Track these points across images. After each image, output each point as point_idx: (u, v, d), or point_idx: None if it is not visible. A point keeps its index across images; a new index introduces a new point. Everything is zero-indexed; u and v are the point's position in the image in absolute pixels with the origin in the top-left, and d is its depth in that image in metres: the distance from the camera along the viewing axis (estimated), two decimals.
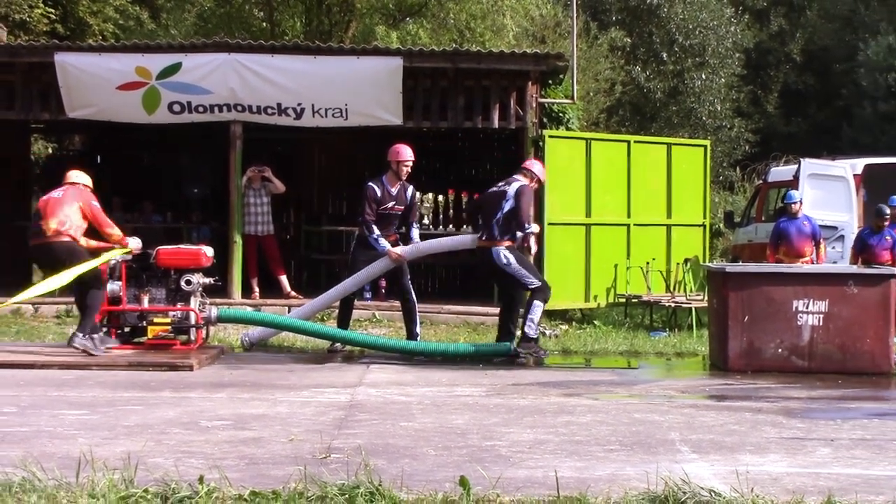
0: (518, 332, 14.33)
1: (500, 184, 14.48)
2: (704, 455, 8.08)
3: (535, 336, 14.20)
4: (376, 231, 14.42)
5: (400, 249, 14.53)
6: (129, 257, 13.73)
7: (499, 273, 14.26)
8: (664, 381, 13.09)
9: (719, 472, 7.42)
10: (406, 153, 14.71)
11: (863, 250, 18.05)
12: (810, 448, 8.48)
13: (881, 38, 40.89)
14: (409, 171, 14.76)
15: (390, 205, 14.55)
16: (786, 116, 46.06)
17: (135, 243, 13.70)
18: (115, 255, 13.46)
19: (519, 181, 14.27)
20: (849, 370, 13.00)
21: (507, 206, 14.06)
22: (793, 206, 18.17)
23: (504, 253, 14.00)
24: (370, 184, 14.64)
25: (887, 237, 18.15)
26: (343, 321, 14.94)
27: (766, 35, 46.62)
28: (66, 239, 13.02)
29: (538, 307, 14.14)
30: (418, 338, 14.80)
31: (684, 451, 8.23)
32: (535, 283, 14.13)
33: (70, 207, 13.16)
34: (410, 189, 14.88)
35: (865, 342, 13.19)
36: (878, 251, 17.94)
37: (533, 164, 14.85)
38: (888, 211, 18.21)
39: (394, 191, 14.60)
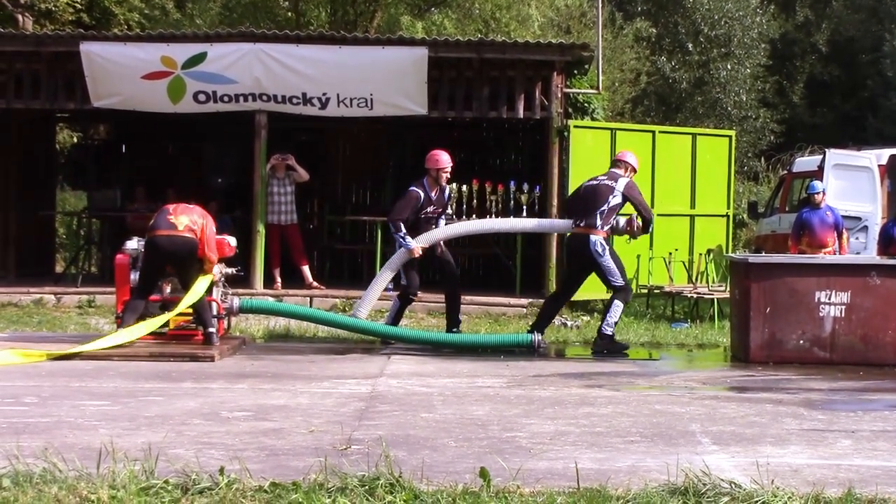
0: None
1: (600, 177, 14.41)
2: (725, 447, 8.06)
3: (611, 333, 14.13)
4: (403, 229, 14.42)
5: (423, 237, 14.54)
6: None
7: (587, 261, 14.17)
8: (685, 372, 13.06)
9: (740, 464, 7.40)
10: (444, 160, 14.72)
11: (889, 244, 17.75)
12: (831, 440, 8.45)
13: None
14: (448, 176, 14.77)
15: (431, 209, 14.63)
16: (811, 107, 45.86)
17: None
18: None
19: (621, 176, 14.28)
20: (871, 361, 12.96)
21: (613, 201, 14.08)
22: (816, 196, 18.08)
23: (601, 242, 13.98)
24: (414, 188, 14.67)
25: None
26: (454, 313, 15.03)
27: (792, 25, 46.43)
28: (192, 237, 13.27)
29: (618, 307, 14.13)
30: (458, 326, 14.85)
31: (705, 443, 8.21)
32: (620, 282, 14.11)
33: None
34: (447, 189, 15.00)
35: (888, 333, 13.14)
36: None
37: (626, 155, 14.81)
38: None
39: (434, 195, 14.68)
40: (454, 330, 14.74)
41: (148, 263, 13.29)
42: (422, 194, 14.56)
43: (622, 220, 14.28)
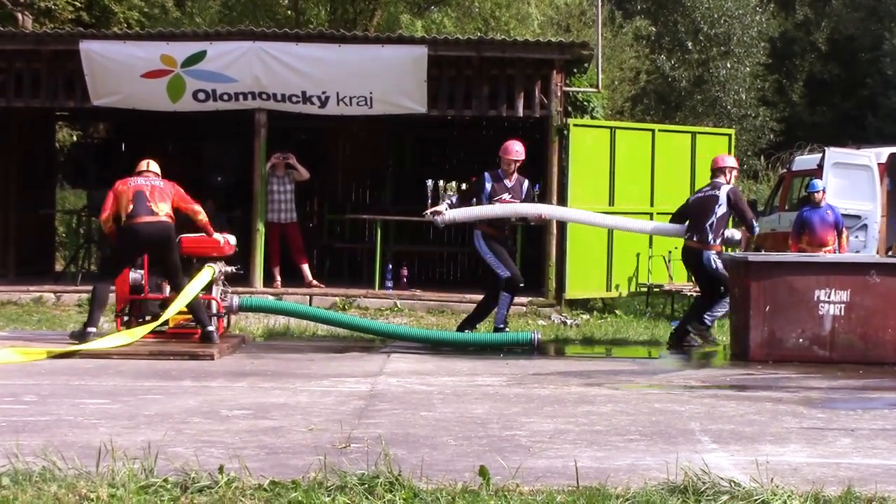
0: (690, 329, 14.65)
1: (704, 188, 14.71)
2: (724, 445, 8.06)
3: (711, 324, 14.56)
4: (449, 204, 14.72)
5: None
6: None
7: (702, 273, 14.54)
8: (685, 370, 13.07)
9: (739, 463, 7.40)
10: (513, 150, 14.67)
11: None
12: (831, 438, 8.45)
13: None
14: (516, 167, 14.67)
15: (505, 196, 14.50)
16: (810, 106, 45.87)
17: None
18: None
19: (723, 185, 14.44)
20: (870, 360, 12.94)
21: (720, 211, 14.32)
22: (816, 195, 18.07)
23: (714, 258, 14.25)
24: (485, 173, 14.74)
25: None
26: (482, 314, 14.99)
27: (792, 24, 46.43)
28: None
29: (726, 304, 14.33)
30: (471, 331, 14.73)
31: (704, 442, 8.21)
32: (722, 291, 14.37)
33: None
34: (526, 183, 14.84)
35: (887, 332, 13.13)
36: None
37: (722, 160, 14.83)
38: None
39: (508, 183, 14.58)
40: (468, 331, 14.70)
41: (125, 251, 13.33)
42: (489, 183, 14.55)
43: (737, 235, 14.67)
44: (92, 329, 13.08)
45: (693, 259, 14.52)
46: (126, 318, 13.61)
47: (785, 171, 26.53)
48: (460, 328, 14.78)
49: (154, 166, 13.87)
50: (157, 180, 13.66)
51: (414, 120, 20.32)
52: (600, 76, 20.17)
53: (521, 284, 14.80)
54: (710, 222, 14.22)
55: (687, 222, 14.65)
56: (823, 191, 18.25)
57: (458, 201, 14.82)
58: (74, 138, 29.83)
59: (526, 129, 22.20)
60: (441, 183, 19.33)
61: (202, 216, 13.75)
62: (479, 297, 15.16)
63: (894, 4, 44.23)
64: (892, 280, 13.18)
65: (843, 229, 18.08)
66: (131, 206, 13.16)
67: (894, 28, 41.45)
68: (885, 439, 8.45)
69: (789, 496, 6.45)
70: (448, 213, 14.53)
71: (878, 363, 12.91)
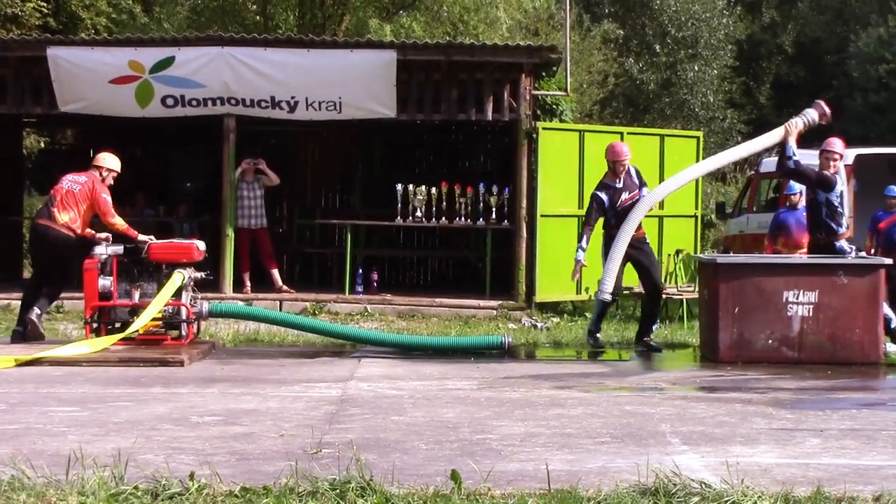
0: None
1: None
2: (695, 447, 8.10)
3: None
4: (583, 241, 14.43)
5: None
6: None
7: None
8: (655, 372, 13.12)
9: (710, 464, 7.44)
10: (619, 151, 14.57)
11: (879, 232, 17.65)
12: (800, 439, 8.50)
13: (872, 29, 40.86)
14: (625, 168, 14.48)
15: (624, 197, 14.33)
16: (778, 108, 45.95)
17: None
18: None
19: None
20: (838, 360, 13.00)
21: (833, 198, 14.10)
22: (793, 196, 18.09)
23: (845, 244, 14.08)
24: (594, 192, 14.54)
25: None
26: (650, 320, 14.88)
27: (758, 27, 46.60)
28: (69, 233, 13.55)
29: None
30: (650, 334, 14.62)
31: (675, 443, 8.25)
32: None
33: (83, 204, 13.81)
34: (633, 170, 14.62)
35: (855, 332, 13.19)
36: None
37: (831, 144, 14.34)
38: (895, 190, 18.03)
39: (619, 184, 14.40)
40: (645, 339, 14.59)
41: (32, 250, 13.50)
42: (603, 195, 14.37)
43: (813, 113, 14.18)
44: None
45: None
46: (95, 326, 13.56)
47: (753, 173, 26.61)
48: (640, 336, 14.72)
49: (103, 160, 14.23)
50: (78, 183, 13.98)
51: (383, 124, 20.29)
52: (569, 79, 20.20)
53: (616, 296, 14.86)
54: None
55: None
56: (801, 193, 18.23)
57: (586, 235, 14.48)
58: (42, 145, 29.70)
59: (495, 132, 22.28)
60: (411, 187, 19.33)
61: (118, 225, 14.06)
62: (450, 300, 15.09)
63: (859, 7, 44.47)
64: (860, 281, 13.26)
65: None
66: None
67: (860, 31, 41.64)
68: (854, 439, 8.50)
69: (759, 497, 6.49)
70: (582, 255, 14.42)
71: (846, 364, 12.97)
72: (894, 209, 18.36)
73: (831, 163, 14.10)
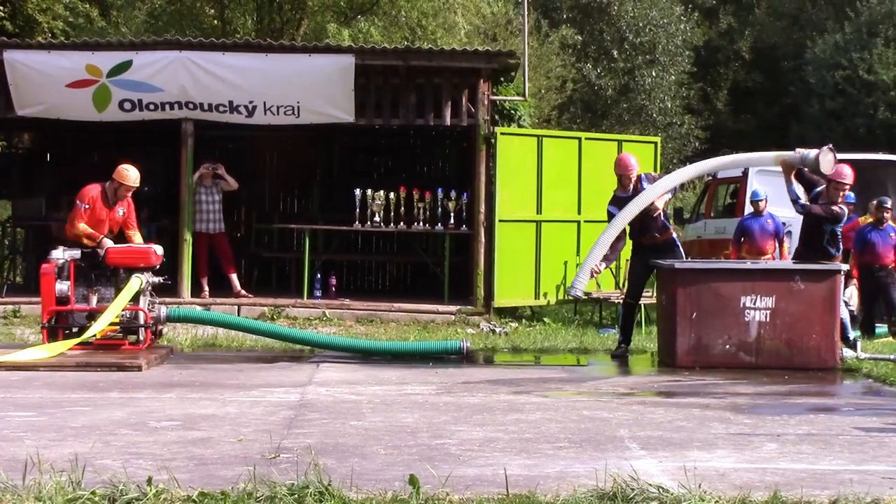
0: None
1: None
2: (653, 451, 8.13)
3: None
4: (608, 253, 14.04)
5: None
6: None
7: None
8: (613, 378, 13.17)
9: (667, 469, 7.47)
10: (625, 166, 14.51)
11: (864, 249, 17.74)
12: (757, 443, 8.55)
13: (828, 35, 41.22)
14: (631, 180, 14.43)
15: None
16: (735, 113, 46.35)
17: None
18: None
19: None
20: (795, 366, 13.10)
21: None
22: (759, 203, 18.19)
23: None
24: (608, 206, 14.51)
25: (892, 234, 17.70)
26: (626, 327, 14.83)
27: (716, 33, 46.92)
28: None
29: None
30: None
31: (633, 448, 8.27)
32: None
33: None
34: (646, 179, 14.48)
35: (812, 337, 13.28)
36: (882, 250, 17.62)
37: (843, 175, 14.03)
38: (889, 202, 17.96)
39: (629, 194, 14.18)
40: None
41: None
42: (614, 209, 14.20)
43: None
44: None
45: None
46: (52, 330, 13.50)
47: (710, 178, 26.72)
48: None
49: (115, 172, 14.61)
50: None
51: (342, 129, 20.26)
52: (527, 85, 20.23)
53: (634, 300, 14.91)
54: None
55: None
56: (766, 199, 18.32)
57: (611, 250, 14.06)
58: None
59: (454, 137, 22.28)
60: (369, 192, 19.31)
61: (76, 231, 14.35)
62: (409, 304, 15.05)
63: (816, 14, 44.78)
64: (816, 286, 13.34)
65: (784, 238, 18.15)
66: None
67: (816, 37, 41.95)
68: (811, 444, 8.55)
69: (717, 501, 6.53)
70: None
71: (802, 368, 13.07)
72: (851, 215, 18.48)
73: (840, 193, 14.12)
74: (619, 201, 14.32)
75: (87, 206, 14.32)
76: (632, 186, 14.42)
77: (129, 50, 18.68)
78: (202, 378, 11.92)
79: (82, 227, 14.21)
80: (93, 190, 14.41)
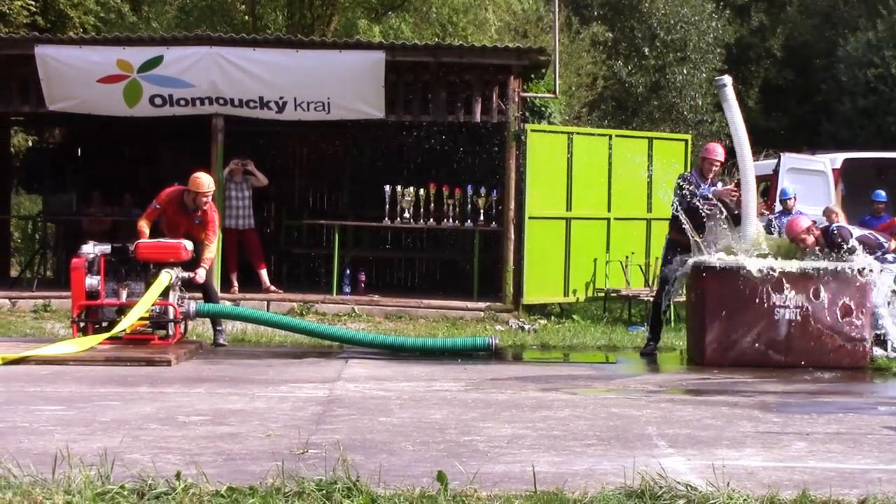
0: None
1: None
2: (681, 449, 8.10)
3: None
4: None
5: None
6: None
7: None
8: (642, 375, 13.14)
9: (696, 467, 7.44)
10: (719, 152, 14.52)
11: None
12: (786, 442, 8.51)
13: (860, 33, 40.95)
14: (717, 170, 14.48)
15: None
16: (766, 111, 46.09)
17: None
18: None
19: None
20: (825, 364, 13.04)
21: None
22: (788, 201, 18.19)
23: None
24: (687, 188, 14.19)
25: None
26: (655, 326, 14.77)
27: (747, 30, 46.67)
28: None
29: None
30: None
31: (661, 446, 8.25)
32: None
33: None
34: (720, 184, 14.50)
35: (842, 336, 13.21)
36: None
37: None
38: (883, 195, 18.04)
39: (704, 186, 14.15)
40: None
41: None
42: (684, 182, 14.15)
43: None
44: None
45: None
46: (82, 325, 13.56)
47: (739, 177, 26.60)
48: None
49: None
50: None
51: (372, 125, 20.27)
52: (557, 82, 20.21)
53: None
54: None
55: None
56: (795, 197, 18.31)
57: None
58: (30, 143, 29.65)
59: (483, 134, 22.24)
60: (399, 188, 19.33)
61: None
62: (438, 301, 15.05)
63: (848, 11, 44.54)
64: (847, 285, 13.26)
65: None
66: None
67: (848, 35, 41.71)
68: (840, 443, 8.51)
69: (745, 500, 6.49)
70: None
71: (832, 367, 13.01)
72: (882, 214, 18.43)
73: (712, 169, 14.31)
74: (695, 185, 14.06)
75: (157, 206, 14.40)
76: (712, 178, 14.32)
77: (160, 45, 18.76)
78: (231, 373, 11.95)
79: (141, 223, 14.28)
80: (170, 192, 14.46)
